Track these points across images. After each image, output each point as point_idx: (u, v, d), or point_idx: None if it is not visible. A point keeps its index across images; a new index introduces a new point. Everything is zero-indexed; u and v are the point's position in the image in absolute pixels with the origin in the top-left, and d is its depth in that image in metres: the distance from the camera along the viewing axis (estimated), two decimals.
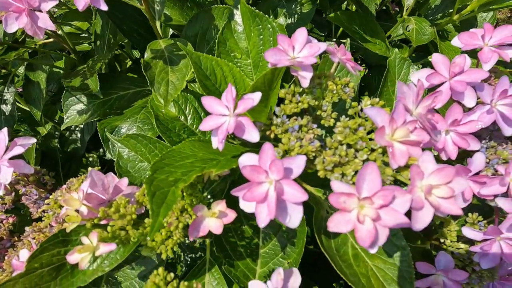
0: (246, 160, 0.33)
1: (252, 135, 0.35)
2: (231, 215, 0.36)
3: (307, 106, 0.40)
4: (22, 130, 1.07)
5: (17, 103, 0.99)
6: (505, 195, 0.42)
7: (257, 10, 0.55)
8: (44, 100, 0.85)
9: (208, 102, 0.37)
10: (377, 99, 0.39)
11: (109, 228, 0.37)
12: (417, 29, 0.79)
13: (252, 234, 0.56)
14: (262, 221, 0.30)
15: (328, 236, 0.43)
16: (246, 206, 0.32)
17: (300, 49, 0.40)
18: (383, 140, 0.32)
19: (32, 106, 0.90)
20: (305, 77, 0.38)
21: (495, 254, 0.43)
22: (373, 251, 0.29)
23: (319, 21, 1.12)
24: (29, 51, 0.97)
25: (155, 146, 0.60)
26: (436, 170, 0.30)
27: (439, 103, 0.44)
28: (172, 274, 0.33)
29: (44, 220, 0.48)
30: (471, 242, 0.48)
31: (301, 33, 0.39)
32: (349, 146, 0.36)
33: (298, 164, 0.31)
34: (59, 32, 0.90)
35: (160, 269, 0.33)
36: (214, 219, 0.36)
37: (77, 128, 0.90)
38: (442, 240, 0.50)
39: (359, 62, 1.23)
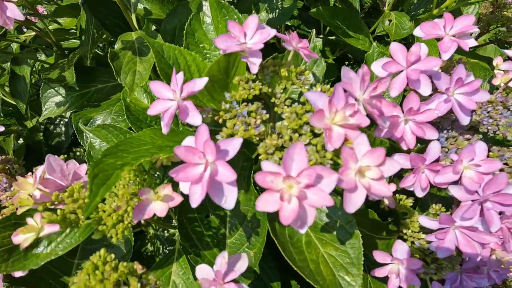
0: (187, 143, 0.33)
1: (195, 119, 0.35)
2: (178, 199, 0.37)
3: (258, 93, 0.40)
4: (11, 124, 1.09)
5: (4, 97, 1.01)
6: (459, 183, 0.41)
7: (223, 1, 0.55)
8: (29, 94, 0.87)
9: (156, 87, 0.37)
10: (328, 86, 0.39)
11: (59, 211, 0.38)
12: (396, 24, 0.79)
13: (219, 224, 0.57)
14: (195, 201, 0.30)
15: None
16: (184, 187, 0.32)
17: (252, 36, 0.40)
18: (320, 123, 0.32)
19: (18, 99, 0.91)
20: (255, 63, 0.39)
21: (450, 243, 0.43)
22: (302, 231, 0.29)
23: (306, 18, 1.12)
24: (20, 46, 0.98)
25: (125, 136, 0.60)
26: (368, 152, 0.30)
27: (394, 90, 0.44)
28: (112, 255, 0.33)
29: (8, 207, 0.49)
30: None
31: (253, 20, 0.40)
32: (296, 131, 0.36)
33: (234, 146, 0.31)
34: (49, 27, 0.92)
35: (102, 250, 0.33)
36: (159, 202, 0.36)
37: (62, 122, 0.92)
38: (404, 231, 0.50)
39: (352, 62, 1.22)
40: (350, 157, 0.30)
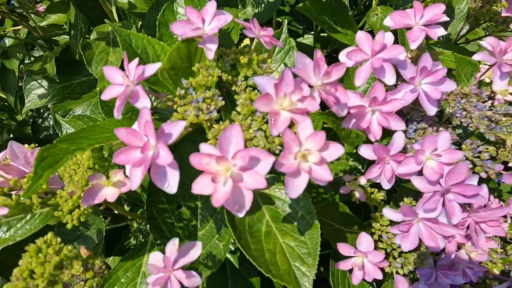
0: (133, 126, 0.33)
1: (144, 102, 0.35)
2: (129, 184, 0.36)
3: (216, 80, 0.40)
4: (4, 118, 1.10)
5: None
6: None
7: None
8: (17, 87, 0.88)
9: (109, 72, 0.37)
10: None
11: (13, 196, 0.38)
12: (381, 18, 0.78)
13: (190, 216, 0.56)
14: (135, 184, 0.30)
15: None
16: (128, 172, 0.32)
17: (210, 22, 0.40)
18: (266, 107, 0.31)
19: (8, 93, 0.92)
20: (211, 49, 0.38)
21: (414, 237, 0.42)
22: (241, 215, 0.29)
23: (297, 14, 1.12)
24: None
25: None
26: (310, 136, 0.29)
27: (359, 79, 0.43)
28: (58, 239, 0.33)
29: None
30: None
31: (211, 6, 0.39)
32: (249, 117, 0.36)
33: (178, 129, 0.31)
34: (43, 23, 0.93)
35: (49, 234, 0.33)
36: (111, 188, 0.36)
37: (50, 116, 0.92)
38: (373, 224, 0.49)
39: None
40: (292, 141, 0.29)
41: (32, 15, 0.89)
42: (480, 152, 0.47)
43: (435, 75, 0.41)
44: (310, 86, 0.36)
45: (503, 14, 0.73)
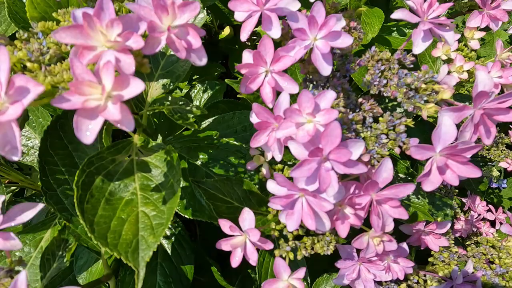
0: None
1: None
2: None
3: None
4: None
5: None
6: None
7: None
8: None
9: None
10: None
11: None
12: None
13: None
14: None
15: (110, 179, 0.38)
16: None
17: None
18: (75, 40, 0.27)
19: None
20: None
21: (298, 214, 0.36)
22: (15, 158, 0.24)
23: None
24: None
25: None
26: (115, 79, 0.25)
27: (244, 33, 0.38)
28: None
29: None
30: None
31: None
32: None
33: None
34: None
35: None
36: None
37: None
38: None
39: None
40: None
41: None
42: (395, 125, 0.41)
43: (327, 27, 0.36)
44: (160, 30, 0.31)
45: None
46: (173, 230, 0.70)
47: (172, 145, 0.58)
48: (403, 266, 0.48)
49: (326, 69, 0.37)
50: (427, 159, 0.37)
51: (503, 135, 1.14)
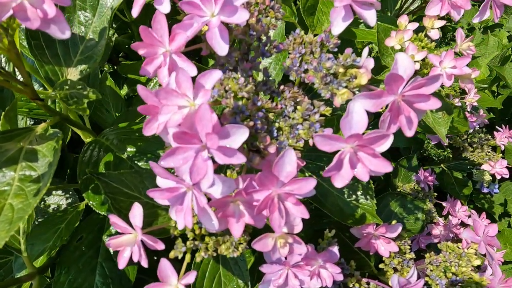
0: None
1: None
2: None
3: None
4: None
5: None
6: None
7: None
8: None
9: None
10: None
11: None
12: None
13: None
14: None
15: None
16: None
17: None
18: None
19: None
20: None
21: (188, 210, 0.32)
22: None
23: None
24: None
25: None
26: None
27: (136, 8, 0.34)
28: None
29: None
30: None
31: None
32: None
33: None
34: None
35: None
36: None
37: None
38: None
39: None
40: None
41: None
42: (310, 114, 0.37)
43: (220, 1, 0.32)
44: None
45: None
46: None
47: (106, 137, 0.55)
48: (332, 271, 0.43)
49: (222, 48, 0.33)
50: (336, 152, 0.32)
51: (489, 136, 1.08)
